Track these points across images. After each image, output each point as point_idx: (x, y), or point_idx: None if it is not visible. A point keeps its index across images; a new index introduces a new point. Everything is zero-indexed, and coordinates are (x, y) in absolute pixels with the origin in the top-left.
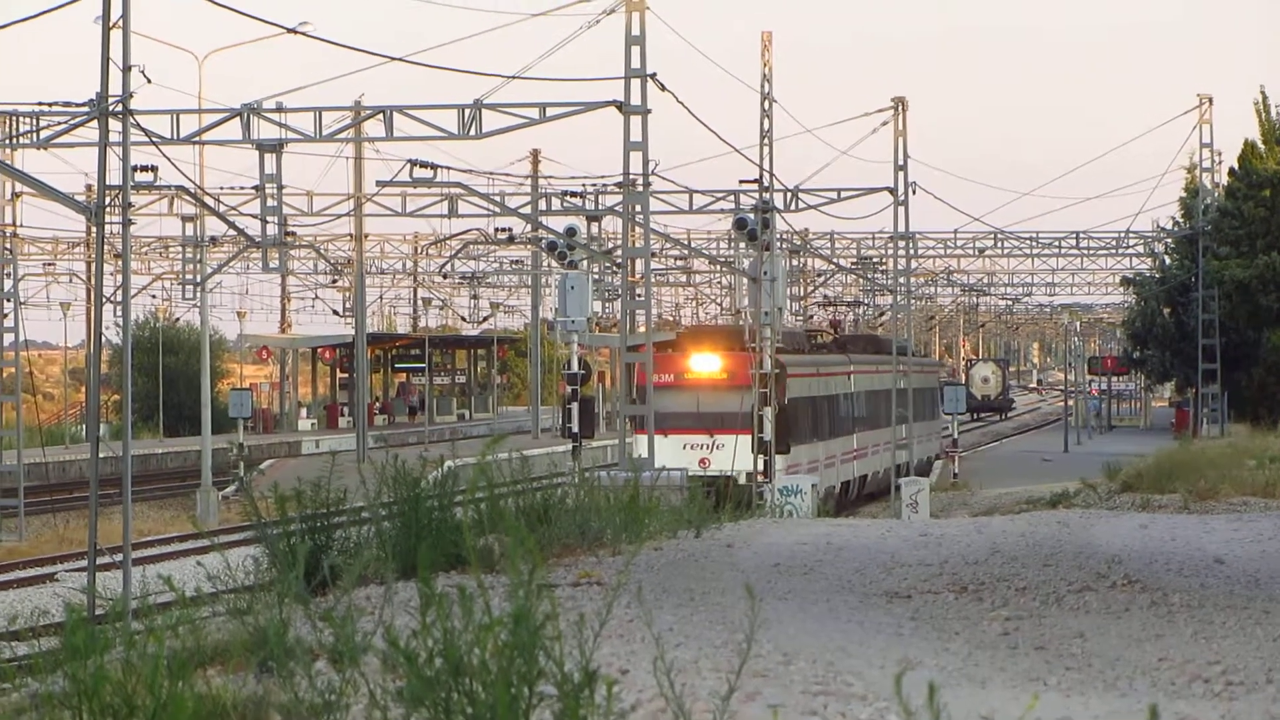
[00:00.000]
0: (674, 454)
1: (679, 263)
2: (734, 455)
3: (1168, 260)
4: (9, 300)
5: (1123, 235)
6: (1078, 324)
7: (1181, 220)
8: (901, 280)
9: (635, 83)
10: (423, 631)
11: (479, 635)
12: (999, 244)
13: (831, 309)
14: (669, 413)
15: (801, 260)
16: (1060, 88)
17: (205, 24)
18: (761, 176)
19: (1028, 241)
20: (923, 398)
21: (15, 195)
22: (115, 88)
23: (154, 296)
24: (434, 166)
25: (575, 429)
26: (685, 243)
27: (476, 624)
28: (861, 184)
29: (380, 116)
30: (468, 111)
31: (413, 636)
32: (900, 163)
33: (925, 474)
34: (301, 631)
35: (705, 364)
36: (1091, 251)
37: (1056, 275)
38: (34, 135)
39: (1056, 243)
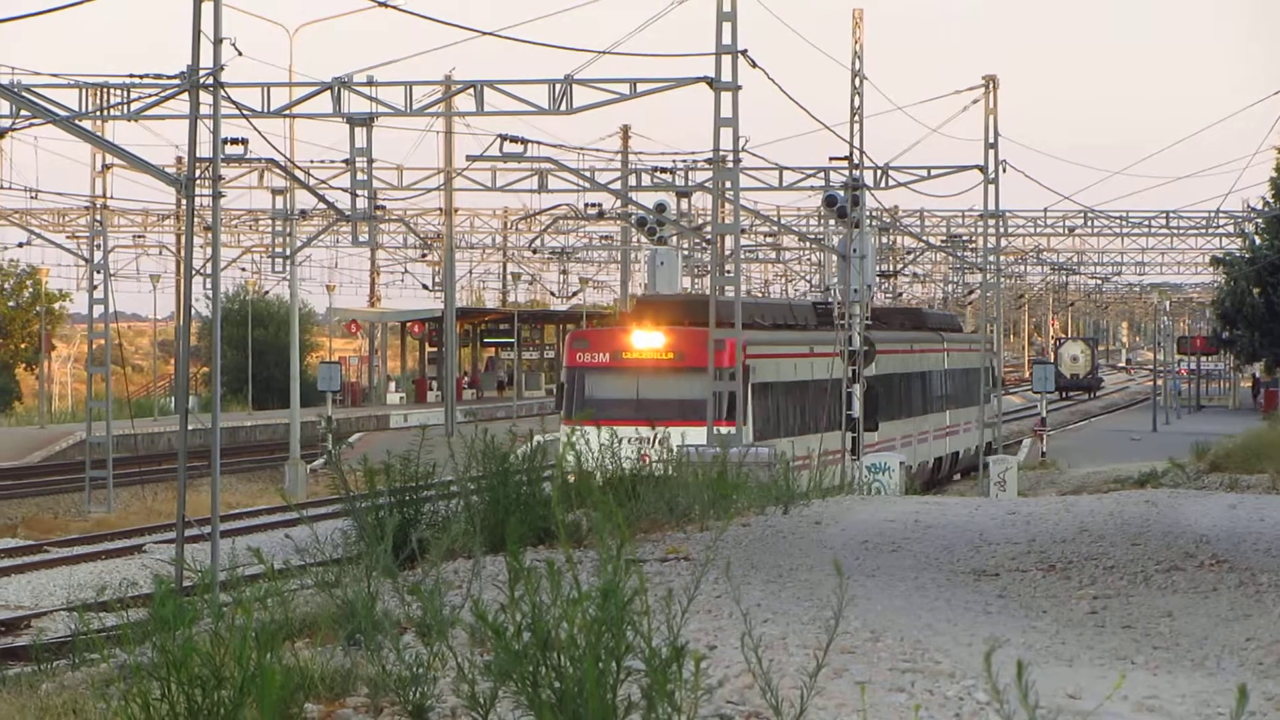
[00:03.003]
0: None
1: (768, 239)
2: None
3: (1258, 240)
4: (99, 272)
5: (1213, 215)
6: (1167, 303)
7: (1272, 200)
8: (991, 259)
9: (726, 59)
10: (511, 605)
11: (567, 610)
12: (1089, 223)
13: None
14: (601, 399)
15: (891, 238)
16: (1151, 66)
17: None
18: (851, 154)
19: (1117, 221)
20: (965, 379)
21: (106, 167)
22: (206, 60)
23: (243, 269)
24: (524, 141)
25: None
26: (775, 219)
27: (565, 598)
28: (952, 162)
29: (471, 91)
30: (558, 87)
31: (501, 610)
32: (991, 141)
33: (967, 471)
34: (389, 605)
35: (648, 341)
36: (1181, 231)
37: (1146, 254)
38: (125, 107)
39: (1146, 222)
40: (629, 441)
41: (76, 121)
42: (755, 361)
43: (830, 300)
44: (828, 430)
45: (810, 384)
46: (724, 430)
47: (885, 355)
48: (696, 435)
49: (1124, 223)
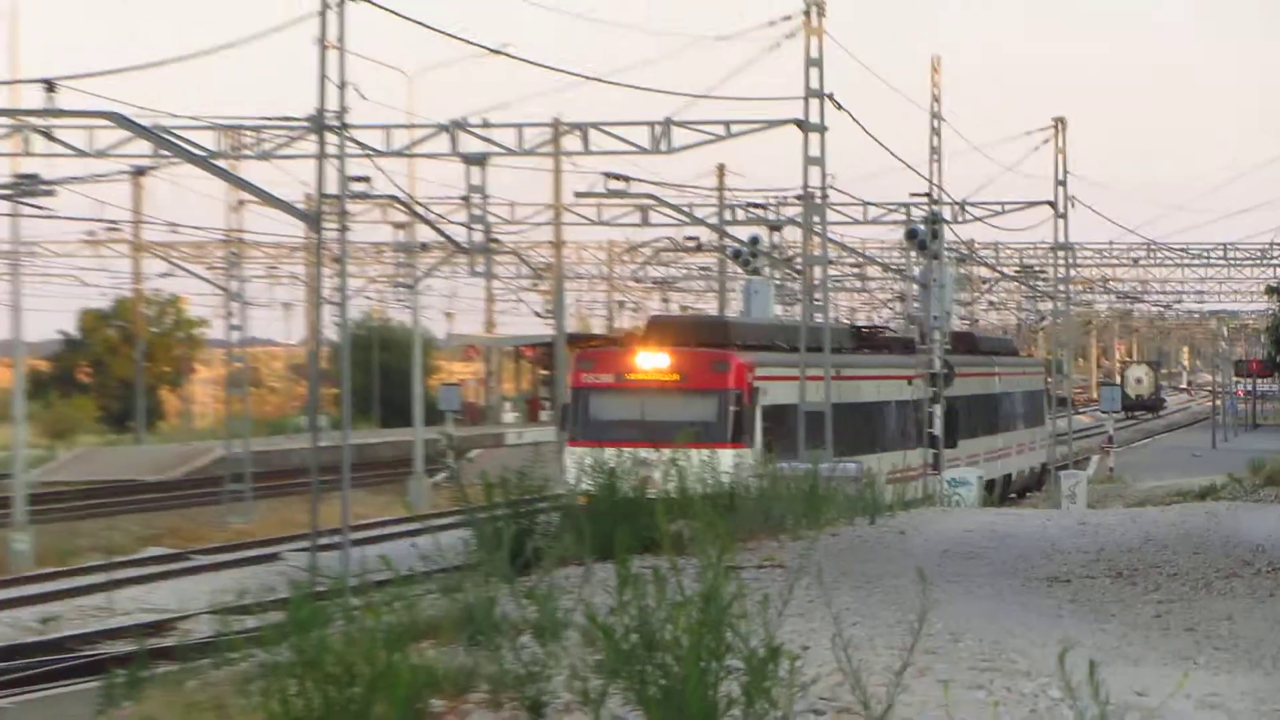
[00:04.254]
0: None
1: (854, 269)
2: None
3: None
4: (235, 300)
5: (1268, 246)
6: (1225, 329)
7: None
8: (1060, 288)
9: (814, 102)
10: (619, 609)
11: (671, 613)
12: (1152, 254)
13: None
14: (603, 420)
15: (967, 268)
16: (1212, 105)
17: (415, 44)
18: (931, 190)
19: (1179, 252)
20: (1025, 401)
21: (240, 203)
22: (332, 104)
23: (369, 298)
24: (627, 179)
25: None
26: (860, 251)
27: (669, 602)
28: (1024, 197)
29: (577, 132)
30: (658, 128)
31: (610, 613)
32: (1060, 178)
33: (1035, 488)
34: (507, 608)
35: (653, 362)
36: (1238, 262)
37: (1205, 284)
38: (257, 147)
39: (1205, 254)
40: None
41: (213, 161)
42: (766, 383)
43: (874, 324)
44: (884, 450)
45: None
46: (729, 452)
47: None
48: (719, 459)
49: (1185, 254)
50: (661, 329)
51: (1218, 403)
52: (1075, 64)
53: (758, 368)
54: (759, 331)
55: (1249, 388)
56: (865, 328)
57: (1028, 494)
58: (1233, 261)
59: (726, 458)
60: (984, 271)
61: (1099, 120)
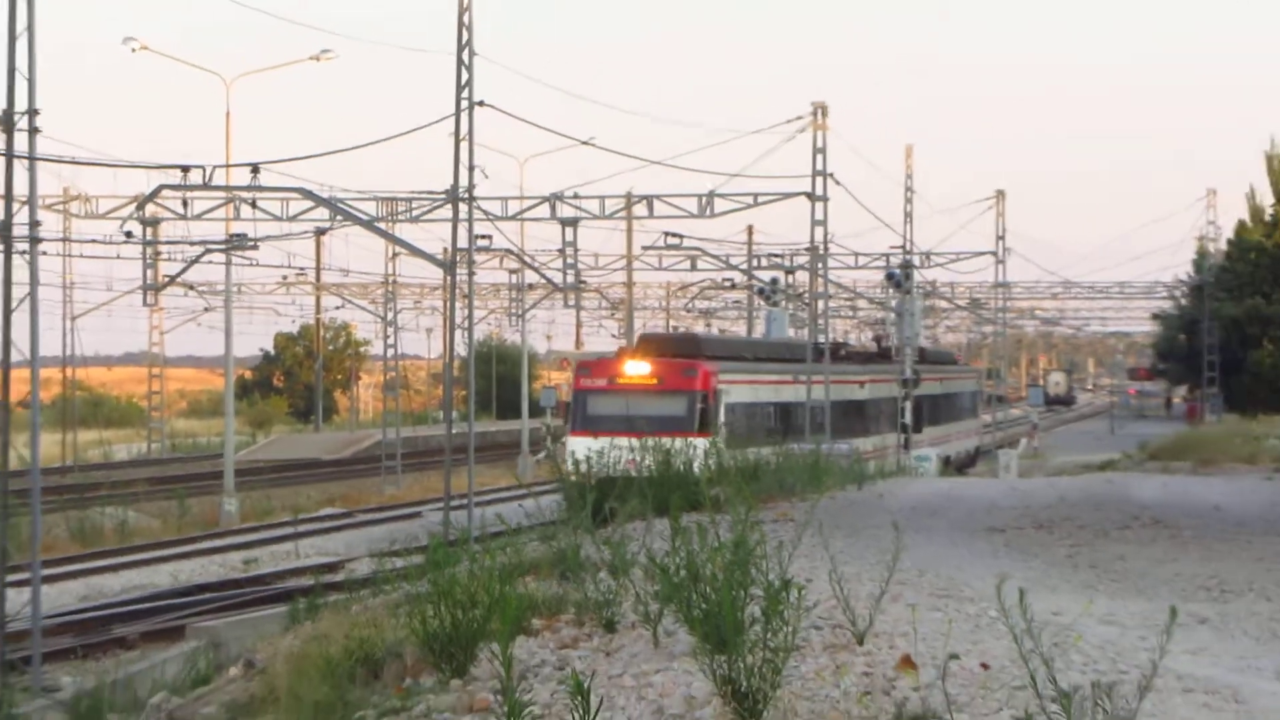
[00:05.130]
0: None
1: (847, 302)
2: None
3: (1184, 302)
4: (390, 326)
5: (1153, 284)
6: (1121, 345)
7: (1193, 274)
8: (999, 316)
9: (819, 179)
10: (673, 552)
11: (710, 555)
12: (1067, 289)
13: (878, 327)
14: (598, 415)
15: (931, 301)
16: (1122, 177)
17: (524, 137)
18: (904, 244)
19: (1088, 289)
20: (965, 399)
21: (395, 255)
22: (463, 181)
23: (489, 324)
24: (680, 236)
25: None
26: (852, 288)
27: (709, 547)
28: (974, 249)
29: (644, 202)
30: (704, 198)
31: (665, 555)
32: (1000, 233)
33: (970, 465)
34: (589, 552)
35: (636, 369)
36: (1131, 295)
37: (1106, 312)
38: (407, 213)
39: (1106, 289)
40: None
41: (375, 223)
42: (729, 386)
43: (833, 340)
44: (861, 436)
45: (790, 405)
46: (699, 441)
47: (879, 384)
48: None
49: (1092, 289)
50: (649, 342)
51: (1114, 399)
52: (1019, 144)
53: (721, 374)
54: (726, 345)
55: (1138, 388)
56: (837, 344)
57: (966, 470)
58: (1128, 295)
59: (693, 445)
60: (943, 303)
61: (1033, 188)
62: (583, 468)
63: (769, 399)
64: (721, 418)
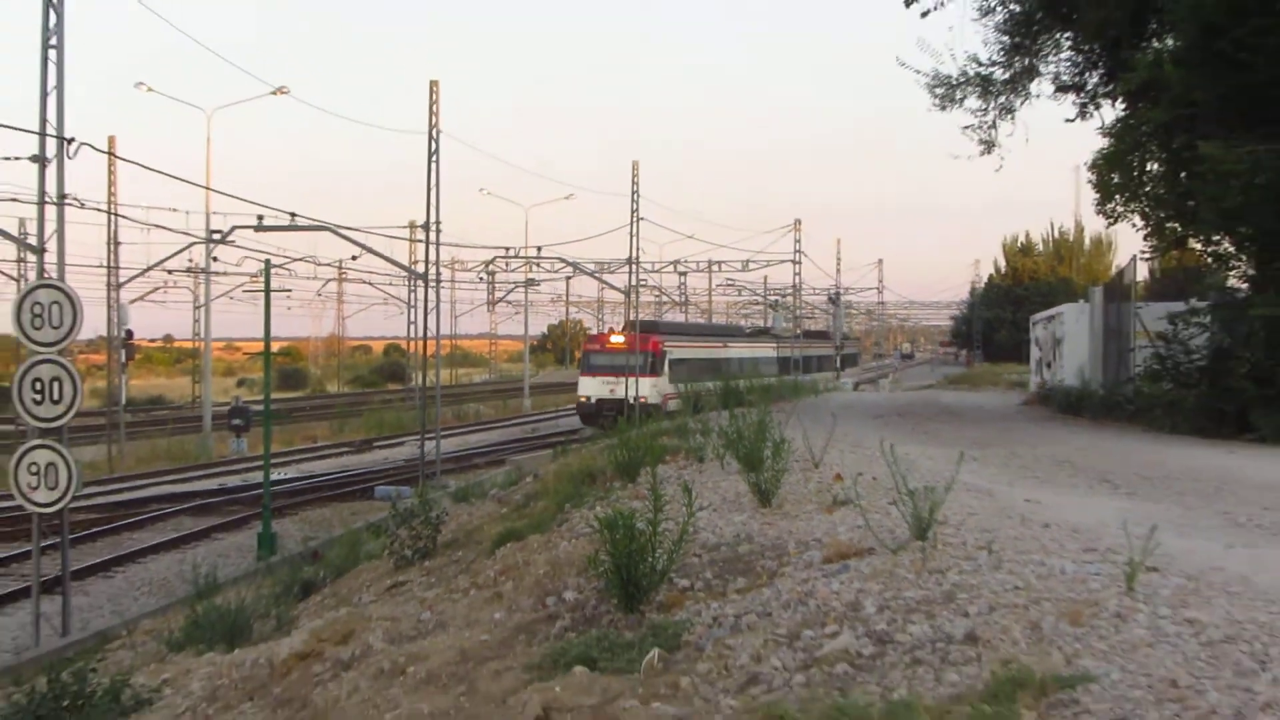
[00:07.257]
0: (598, 386)
1: (807, 313)
2: (633, 388)
3: (965, 310)
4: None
5: (952, 301)
6: (937, 330)
7: (970, 296)
8: (879, 317)
9: (800, 257)
10: (731, 421)
11: (746, 426)
12: (912, 304)
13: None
14: (598, 364)
15: (849, 309)
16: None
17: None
18: (837, 285)
19: (923, 304)
20: (826, 359)
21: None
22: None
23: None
24: (734, 282)
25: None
26: (812, 305)
27: (746, 423)
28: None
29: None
30: (744, 262)
31: (726, 425)
32: (880, 279)
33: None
34: (692, 426)
35: (616, 339)
36: (941, 306)
37: (930, 312)
38: (608, 269)
39: (933, 304)
40: (605, 383)
41: (593, 274)
42: (671, 349)
43: (757, 325)
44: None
45: (717, 359)
46: (649, 380)
47: (764, 348)
48: (641, 384)
49: (925, 304)
50: (630, 326)
51: (933, 356)
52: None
53: (667, 342)
54: (675, 327)
55: (945, 351)
56: (764, 329)
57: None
58: (942, 306)
59: (646, 384)
60: (854, 310)
61: (904, 246)
62: (593, 399)
63: (704, 356)
64: (666, 367)
